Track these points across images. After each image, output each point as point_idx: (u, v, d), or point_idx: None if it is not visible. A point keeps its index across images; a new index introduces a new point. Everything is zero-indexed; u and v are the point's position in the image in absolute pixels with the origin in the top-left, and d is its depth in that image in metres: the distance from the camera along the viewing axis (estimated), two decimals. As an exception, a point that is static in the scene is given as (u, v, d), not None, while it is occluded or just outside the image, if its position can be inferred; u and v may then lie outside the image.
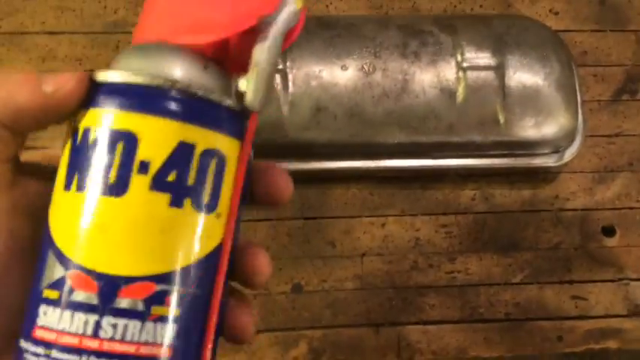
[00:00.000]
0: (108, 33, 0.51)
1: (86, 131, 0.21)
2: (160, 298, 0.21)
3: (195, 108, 0.21)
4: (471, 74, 0.47)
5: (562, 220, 0.53)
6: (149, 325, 0.21)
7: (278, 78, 0.46)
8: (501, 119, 0.47)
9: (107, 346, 0.20)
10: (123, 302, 0.20)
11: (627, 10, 0.58)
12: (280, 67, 0.46)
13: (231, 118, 0.23)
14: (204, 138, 0.22)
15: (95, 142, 0.21)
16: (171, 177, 0.21)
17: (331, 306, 0.50)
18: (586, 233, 0.53)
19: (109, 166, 0.21)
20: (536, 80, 0.48)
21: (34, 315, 0.21)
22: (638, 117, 0.55)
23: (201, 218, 0.22)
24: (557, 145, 0.50)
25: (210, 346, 0.22)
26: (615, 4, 0.57)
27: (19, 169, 0.22)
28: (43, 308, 0.21)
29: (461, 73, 0.47)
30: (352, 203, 0.51)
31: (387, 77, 0.47)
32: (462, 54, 0.48)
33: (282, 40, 0.23)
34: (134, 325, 0.20)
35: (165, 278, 0.21)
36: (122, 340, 0.20)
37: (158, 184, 0.21)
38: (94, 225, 0.21)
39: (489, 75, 0.47)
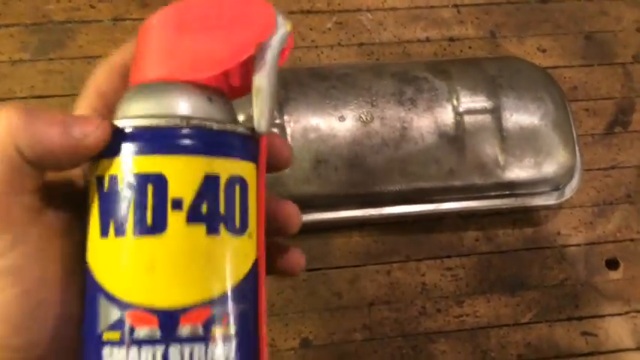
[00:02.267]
0: (100, 94, 0.51)
1: (113, 178, 0.22)
2: (217, 320, 0.22)
3: (212, 141, 0.23)
4: (468, 118, 0.47)
5: (566, 257, 0.53)
6: (211, 345, 0.22)
7: (276, 132, 0.46)
8: (501, 161, 0.48)
9: None
10: (184, 330, 0.22)
11: (612, 44, 0.59)
12: (277, 121, 0.46)
13: (245, 144, 0.24)
14: (225, 167, 0.23)
15: (125, 187, 0.22)
16: (204, 209, 0.22)
17: (341, 359, 0.49)
18: (590, 268, 0.53)
19: (144, 208, 0.22)
20: (532, 121, 0.48)
21: (97, 357, 0.22)
22: (632, 148, 0.56)
23: (237, 241, 0.23)
24: (557, 183, 0.50)
25: (265, 350, 0.24)
26: (600, 38, 0.59)
27: (45, 195, 0.23)
28: (106, 351, 0.22)
29: (458, 118, 0.47)
30: (356, 252, 0.51)
31: (386, 126, 0.47)
32: (458, 98, 0.48)
33: (278, 61, 0.24)
34: (199, 348, 0.22)
35: (217, 301, 0.22)
36: None
37: (193, 217, 0.22)
38: (141, 265, 0.22)
39: (486, 118, 0.48)
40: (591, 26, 0.59)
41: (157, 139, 0.22)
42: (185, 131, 0.22)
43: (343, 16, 0.56)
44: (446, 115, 0.47)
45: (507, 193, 0.49)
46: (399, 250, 0.51)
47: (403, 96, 0.48)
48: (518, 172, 0.48)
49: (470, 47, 0.57)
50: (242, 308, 0.23)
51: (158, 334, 0.21)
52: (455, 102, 0.48)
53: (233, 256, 0.23)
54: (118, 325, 0.22)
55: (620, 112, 0.57)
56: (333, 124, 0.47)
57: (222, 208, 0.22)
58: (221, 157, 0.23)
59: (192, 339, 0.22)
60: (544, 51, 0.57)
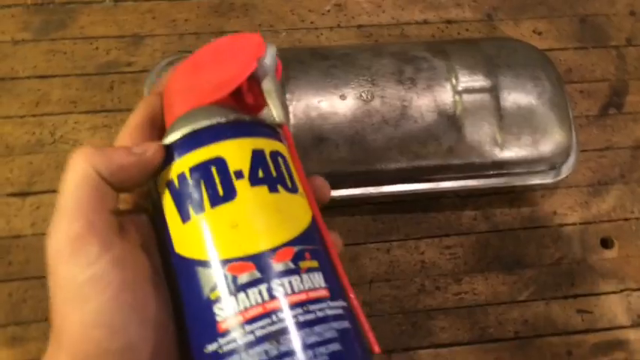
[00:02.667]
0: (101, 74, 0.51)
1: (181, 175, 0.27)
2: (302, 256, 0.26)
3: (249, 128, 0.28)
4: (466, 97, 0.48)
5: (562, 236, 0.54)
6: (305, 276, 0.25)
7: (278, 110, 0.46)
8: (499, 139, 0.48)
9: (285, 301, 0.25)
10: (279, 266, 0.25)
11: (607, 27, 0.59)
12: (279, 99, 0.46)
13: (273, 129, 0.29)
14: (265, 144, 0.28)
15: (193, 176, 0.26)
16: (260, 173, 0.27)
17: (342, 336, 0.49)
18: (586, 247, 0.54)
19: (214, 185, 0.26)
20: (529, 100, 0.49)
21: (209, 318, 0.25)
22: (626, 129, 0.57)
23: (294, 197, 0.28)
24: (554, 162, 0.51)
25: (347, 281, 0.28)
26: (595, 21, 0.59)
27: (121, 215, 0.27)
28: (216, 308, 0.25)
29: (457, 97, 0.48)
30: (356, 230, 0.51)
31: (386, 104, 0.47)
32: (456, 77, 0.49)
33: (276, 71, 0.30)
34: (295, 279, 0.25)
35: (296, 241, 0.26)
36: (293, 293, 0.25)
37: (254, 181, 0.26)
38: (225, 227, 0.26)
39: (484, 97, 0.48)
40: (586, 9, 0.60)
41: (208, 134, 0.27)
42: (228, 124, 0.27)
43: (342, -2, 0.57)
44: (445, 94, 0.48)
45: (505, 172, 0.50)
46: (399, 229, 0.52)
47: (403, 75, 0.48)
48: (515, 150, 0.49)
49: (467, 30, 0.57)
50: (316, 248, 0.27)
51: (258, 274, 0.25)
52: (454, 81, 0.49)
53: (295, 208, 0.27)
54: (220, 282, 0.25)
55: (615, 94, 0.58)
56: (335, 102, 0.47)
57: (273, 173, 0.27)
58: (260, 137, 0.28)
59: (288, 272, 0.25)
60: (540, 34, 0.58)
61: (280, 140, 0.29)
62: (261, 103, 0.29)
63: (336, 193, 0.49)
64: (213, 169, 0.26)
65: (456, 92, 0.48)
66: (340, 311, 0.26)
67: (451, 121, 0.48)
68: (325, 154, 0.47)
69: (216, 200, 0.26)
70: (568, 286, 0.53)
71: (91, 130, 0.50)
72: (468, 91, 0.48)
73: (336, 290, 0.27)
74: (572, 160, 0.52)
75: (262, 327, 0.24)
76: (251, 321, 0.24)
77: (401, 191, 0.50)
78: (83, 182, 0.25)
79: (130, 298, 0.25)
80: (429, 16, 0.57)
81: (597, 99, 0.57)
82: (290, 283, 0.25)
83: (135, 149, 0.27)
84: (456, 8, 0.58)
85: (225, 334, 0.25)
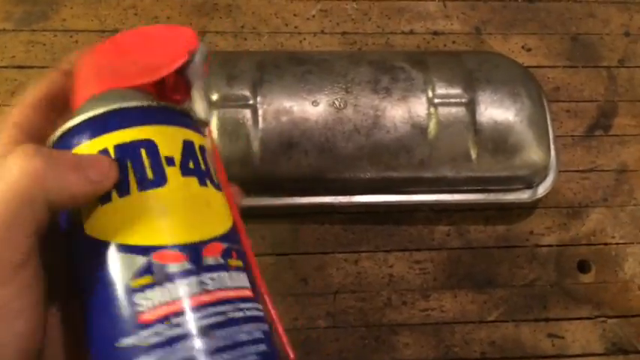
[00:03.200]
0: (79, 67, 0.51)
1: (103, 152, 0.24)
2: (229, 253, 0.25)
3: (181, 117, 0.27)
4: (442, 110, 0.47)
5: (537, 257, 0.52)
6: (233, 274, 0.25)
7: (248, 113, 0.46)
8: (473, 155, 0.47)
9: (215, 296, 0.24)
10: (209, 260, 0.24)
11: (598, 47, 0.58)
12: (250, 102, 0.46)
13: (199, 124, 0.28)
14: (194, 137, 0.27)
15: (118, 155, 0.24)
16: (190, 164, 0.25)
17: (303, 345, 0.48)
18: (561, 269, 0.52)
19: (142, 168, 0.24)
20: (507, 116, 0.48)
21: (128, 309, 0.23)
22: (612, 152, 0.55)
23: (219, 195, 0.27)
24: (530, 181, 0.50)
25: (265, 288, 0.27)
26: (587, 40, 0.58)
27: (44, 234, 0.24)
28: (139, 297, 0.23)
29: (432, 109, 0.47)
30: (325, 239, 0.51)
31: (358, 113, 0.47)
32: (434, 90, 0.48)
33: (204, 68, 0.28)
34: (224, 275, 0.24)
35: (224, 238, 0.25)
36: (224, 289, 0.24)
37: (185, 170, 0.25)
38: (154, 212, 0.24)
39: (460, 111, 0.47)
40: (578, 28, 0.58)
41: (138, 115, 0.25)
42: (159, 108, 0.26)
43: (328, 3, 0.56)
44: (420, 106, 0.47)
45: (479, 188, 0.49)
46: (369, 240, 0.51)
47: (378, 84, 0.48)
48: (490, 167, 0.48)
49: (454, 42, 0.56)
50: (240, 248, 0.26)
51: (189, 265, 0.24)
52: (430, 93, 0.48)
53: (221, 205, 0.27)
54: (146, 269, 0.23)
55: (602, 116, 0.56)
56: (306, 108, 0.47)
57: (202, 166, 0.26)
58: (189, 129, 0.27)
59: (217, 267, 0.24)
60: (529, 50, 0.57)
61: (203, 134, 0.28)
62: (183, 99, 0.28)
63: (306, 200, 0.48)
64: (143, 152, 0.25)
65: (432, 104, 0.47)
66: (262, 314, 0.26)
67: (424, 133, 0.47)
68: (294, 159, 0.46)
69: (144, 184, 0.24)
70: (540, 309, 0.51)
71: (63, 122, 0.50)
72: (444, 104, 0.47)
73: (257, 293, 0.26)
74: (550, 179, 0.51)
75: (192, 321, 0.23)
76: (179, 314, 0.23)
77: (372, 202, 0.49)
78: (23, 205, 0.22)
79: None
80: (416, 26, 0.56)
81: (584, 119, 0.56)
82: (220, 278, 0.24)
83: (91, 174, 0.23)
84: (444, 20, 0.57)
85: (148, 326, 0.23)
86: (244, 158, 0.45)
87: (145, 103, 0.26)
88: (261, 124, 0.46)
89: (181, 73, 0.27)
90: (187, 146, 0.26)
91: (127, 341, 0.23)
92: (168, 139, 0.25)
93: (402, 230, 0.52)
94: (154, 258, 0.24)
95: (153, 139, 0.25)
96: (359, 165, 0.47)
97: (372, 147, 0.46)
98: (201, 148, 0.27)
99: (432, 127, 0.47)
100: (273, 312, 0.27)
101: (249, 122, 0.46)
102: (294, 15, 0.55)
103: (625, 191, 0.55)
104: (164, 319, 0.23)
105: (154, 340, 0.22)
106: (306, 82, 0.47)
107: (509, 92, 0.48)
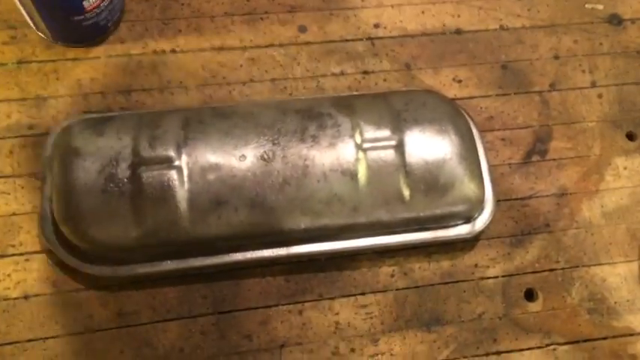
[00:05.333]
0: (1, 139, 0.50)
1: None
2: None
3: None
4: (370, 154, 0.47)
5: (483, 289, 0.52)
6: None
7: (174, 174, 0.45)
8: (406, 196, 0.47)
9: None
10: None
11: (529, 73, 0.59)
12: (176, 162, 0.45)
13: None
14: None
15: None
16: None
17: (251, 405, 0.47)
18: (509, 300, 0.52)
19: None
20: (436, 155, 0.47)
21: None
22: (550, 177, 0.56)
23: None
24: (467, 216, 0.50)
25: None
26: (517, 67, 0.59)
27: None
28: None
29: (361, 154, 0.47)
30: (267, 292, 0.50)
31: (287, 164, 0.46)
32: (361, 134, 0.47)
33: None
34: None
35: None
36: None
37: None
38: None
39: (390, 154, 0.47)
40: (507, 55, 0.59)
41: None
42: None
43: (255, 51, 0.56)
44: (348, 151, 0.47)
45: (416, 227, 0.49)
46: (312, 289, 0.50)
47: (305, 132, 0.47)
48: (424, 206, 0.47)
49: (385, 80, 0.56)
50: None
51: None
52: (358, 138, 0.47)
53: None
54: None
55: (538, 141, 0.57)
56: (233, 163, 0.46)
57: None
58: None
59: None
60: (460, 81, 0.57)
61: None
62: None
63: (243, 255, 0.48)
64: None
65: (360, 149, 0.47)
66: None
67: (355, 179, 0.46)
68: (224, 218, 0.45)
69: None
70: (490, 343, 0.51)
71: (-12, 197, 0.48)
72: (373, 148, 0.47)
73: None
74: (487, 212, 0.51)
75: None
76: None
77: (310, 252, 0.48)
78: None
79: None
80: (346, 67, 0.56)
81: (520, 146, 0.56)
82: None
83: None
84: (374, 58, 0.57)
85: None
86: (173, 221, 0.45)
87: None
88: (187, 185, 0.45)
89: None
90: None
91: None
92: None
93: (345, 275, 0.51)
94: None
95: None
96: (292, 217, 0.46)
97: (303, 198, 0.46)
98: None
99: (362, 172, 0.47)
100: None
101: (176, 183, 0.45)
102: (222, 66, 0.55)
103: (566, 215, 0.55)
104: None
105: None
106: (233, 137, 0.47)
107: (436, 130, 0.48)
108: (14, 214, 0.48)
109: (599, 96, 0.59)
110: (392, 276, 0.51)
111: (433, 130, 0.48)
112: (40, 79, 0.52)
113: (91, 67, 0.53)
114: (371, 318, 0.50)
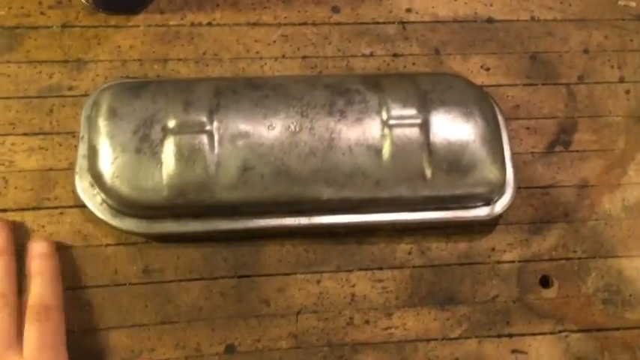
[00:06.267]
0: (42, 97, 0.52)
1: None
2: None
3: None
4: (396, 131, 0.48)
5: (499, 273, 0.53)
6: None
7: (204, 138, 0.47)
8: (428, 174, 0.48)
9: None
10: None
11: (557, 65, 0.59)
12: (207, 127, 0.47)
13: None
14: None
15: None
16: None
17: (265, 367, 0.49)
18: (524, 285, 0.53)
19: None
20: (460, 136, 0.48)
21: None
22: (572, 168, 0.56)
23: None
24: (487, 198, 0.50)
25: None
26: (546, 58, 0.59)
27: None
28: None
29: (386, 130, 0.48)
30: (287, 260, 0.51)
31: (314, 135, 0.48)
32: (388, 111, 0.49)
33: None
34: None
35: None
36: None
37: None
38: None
39: (414, 132, 0.48)
40: (537, 46, 0.59)
41: None
42: None
43: (289, 29, 0.57)
44: (374, 128, 0.48)
45: (436, 206, 0.50)
46: (330, 260, 0.52)
47: (333, 107, 0.49)
48: (445, 185, 0.48)
49: (414, 64, 0.57)
50: None
51: None
52: (384, 115, 0.49)
53: None
54: None
55: (562, 132, 0.57)
56: (262, 132, 0.47)
57: None
58: None
59: None
60: (488, 69, 0.58)
61: None
62: None
63: (266, 222, 0.49)
64: None
65: (386, 126, 0.48)
66: None
67: (379, 154, 0.48)
68: (250, 183, 0.47)
69: None
70: (503, 325, 0.52)
71: (27, 151, 0.51)
72: (398, 125, 0.48)
73: None
74: (507, 196, 0.51)
75: None
76: None
77: (333, 223, 0.50)
78: None
79: None
80: (376, 49, 0.57)
81: (544, 136, 0.57)
82: None
83: None
84: (404, 42, 0.58)
85: None
86: (201, 183, 0.46)
87: None
88: (217, 149, 0.47)
89: None
90: None
91: None
92: None
93: (364, 249, 0.52)
94: None
95: None
96: (315, 187, 0.47)
97: (327, 169, 0.47)
98: None
99: (387, 147, 0.48)
100: None
101: (206, 147, 0.47)
102: (256, 41, 0.56)
103: (586, 206, 0.55)
104: None
105: None
106: (262, 107, 0.48)
107: (462, 112, 0.49)
108: (51, 169, 0.51)
109: (627, 92, 0.59)
110: (409, 253, 0.52)
111: (459, 112, 0.49)
112: (82, 44, 0.54)
113: (130, 35, 0.55)
114: (386, 292, 0.51)
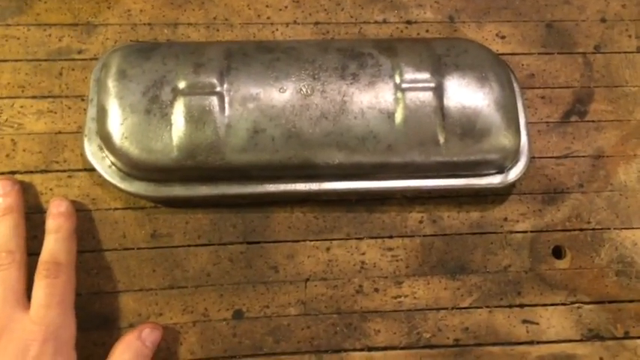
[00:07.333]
0: (51, 60, 0.52)
1: None
2: None
3: None
4: (409, 95, 0.47)
5: (511, 243, 0.52)
6: None
7: (214, 100, 0.46)
8: (441, 139, 0.47)
9: None
10: None
11: (574, 33, 0.58)
12: (217, 89, 0.46)
13: None
14: None
15: None
16: None
17: (273, 333, 0.48)
18: (536, 256, 0.52)
19: None
20: (474, 100, 0.47)
21: None
22: (587, 138, 0.55)
23: None
24: (500, 165, 0.50)
25: None
26: (562, 27, 0.58)
27: None
28: None
29: (399, 94, 0.47)
30: (296, 227, 0.51)
31: (326, 99, 0.47)
32: (401, 75, 0.48)
33: None
34: None
35: None
36: None
37: None
38: None
39: (428, 96, 0.47)
40: (553, 15, 0.58)
41: None
42: None
43: (301, -6, 0.56)
44: (387, 91, 0.47)
45: (449, 173, 0.49)
46: (340, 228, 0.51)
47: (346, 70, 0.48)
48: (458, 151, 0.48)
49: (427, 31, 0.56)
50: None
51: None
52: (397, 78, 0.48)
53: None
54: None
55: (578, 102, 0.56)
56: (273, 94, 0.47)
57: None
58: None
59: None
60: (503, 37, 0.57)
61: None
62: None
63: (276, 187, 0.49)
64: None
65: (399, 89, 0.47)
66: None
67: (391, 118, 0.47)
68: (260, 145, 0.46)
69: None
70: (514, 295, 0.51)
71: (36, 114, 0.50)
72: (412, 89, 0.47)
73: None
74: (521, 164, 0.51)
75: None
76: None
77: (343, 189, 0.49)
78: None
79: None
80: (389, 15, 0.56)
81: (559, 105, 0.56)
82: None
83: None
84: (417, 9, 0.57)
85: None
86: (210, 145, 0.46)
87: None
88: (227, 111, 0.46)
89: None
90: None
91: None
92: None
93: (374, 218, 0.51)
94: None
95: None
96: (327, 150, 0.47)
97: (339, 132, 0.47)
98: None
99: (399, 112, 0.47)
100: None
101: (216, 109, 0.46)
102: (267, 6, 0.56)
103: (601, 177, 0.54)
104: None
105: None
106: (274, 70, 0.48)
107: (476, 76, 0.48)
108: (60, 132, 0.50)
109: (645, 62, 0.58)
110: (420, 222, 0.52)
111: (473, 76, 0.48)
112: (92, 7, 0.53)
113: (140, -1, 0.54)
114: (397, 261, 0.51)
